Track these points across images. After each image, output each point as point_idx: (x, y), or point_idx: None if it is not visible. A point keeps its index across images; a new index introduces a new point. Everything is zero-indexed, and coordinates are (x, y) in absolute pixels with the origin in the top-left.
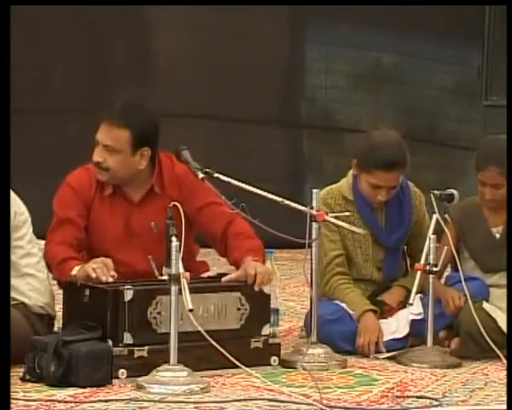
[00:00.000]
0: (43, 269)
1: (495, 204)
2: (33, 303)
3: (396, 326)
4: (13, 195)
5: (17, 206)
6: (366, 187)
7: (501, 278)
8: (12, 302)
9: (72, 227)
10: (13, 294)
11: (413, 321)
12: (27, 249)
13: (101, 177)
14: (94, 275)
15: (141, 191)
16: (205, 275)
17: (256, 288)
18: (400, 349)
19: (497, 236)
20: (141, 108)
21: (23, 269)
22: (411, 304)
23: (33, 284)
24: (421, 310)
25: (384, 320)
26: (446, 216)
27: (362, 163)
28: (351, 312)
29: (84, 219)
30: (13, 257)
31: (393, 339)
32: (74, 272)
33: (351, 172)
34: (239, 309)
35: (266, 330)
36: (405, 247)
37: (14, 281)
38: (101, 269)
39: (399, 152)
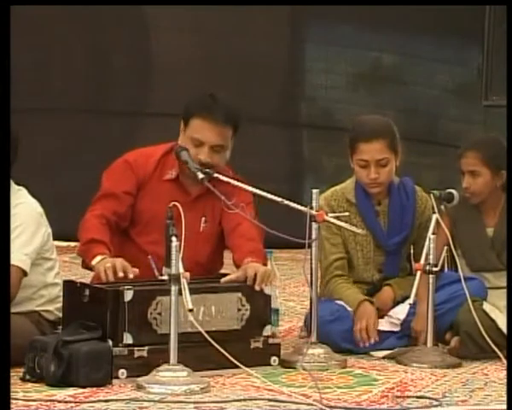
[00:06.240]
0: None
1: (474, 197)
2: (57, 313)
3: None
4: (40, 211)
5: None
6: (358, 171)
7: (497, 280)
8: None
9: (114, 202)
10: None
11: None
12: (53, 260)
13: (203, 178)
14: (104, 279)
15: (198, 185)
16: None
17: (257, 287)
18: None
19: (490, 236)
20: (227, 100)
21: (51, 281)
22: (411, 304)
23: (58, 294)
24: (402, 317)
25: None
26: (442, 207)
27: (350, 145)
28: (350, 310)
29: (132, 196)
30: (41, 269)
31: (392, 334)
32: (94, 262)
33: None
34: (239, 310)
35: (267, 331)
36: (411, 250)
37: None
38: (115, 269)
39: (381, 123)
